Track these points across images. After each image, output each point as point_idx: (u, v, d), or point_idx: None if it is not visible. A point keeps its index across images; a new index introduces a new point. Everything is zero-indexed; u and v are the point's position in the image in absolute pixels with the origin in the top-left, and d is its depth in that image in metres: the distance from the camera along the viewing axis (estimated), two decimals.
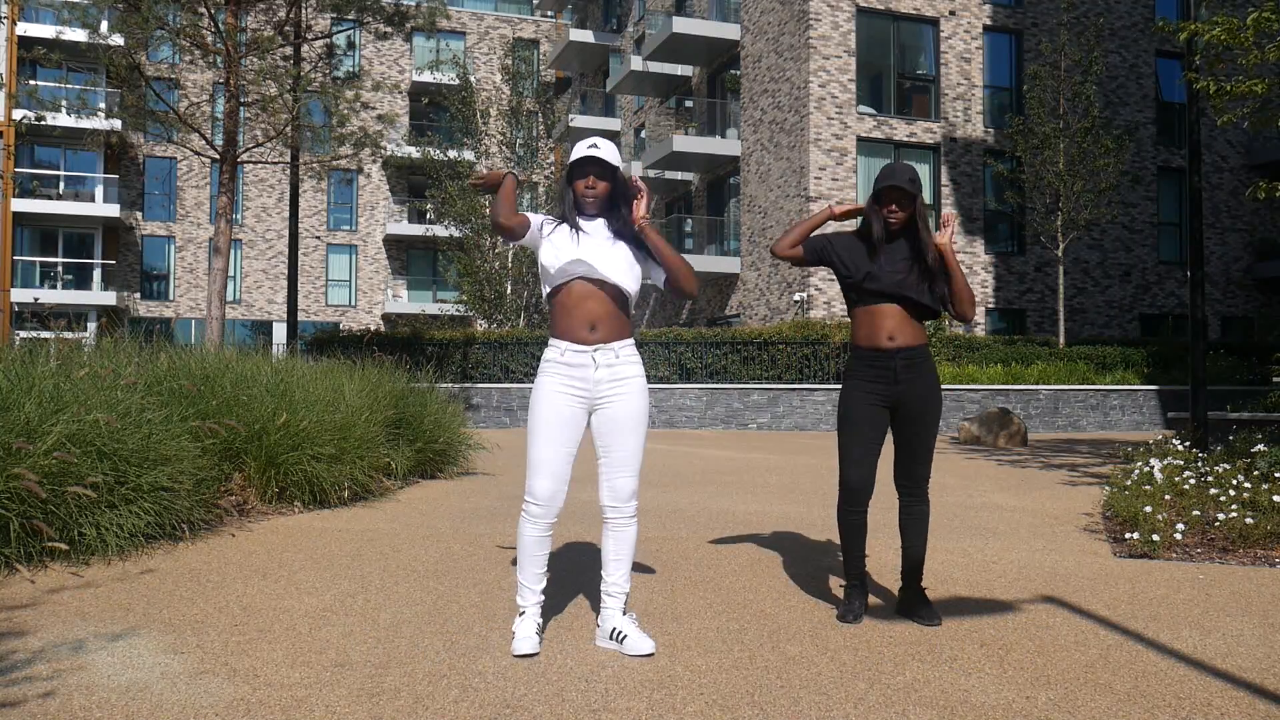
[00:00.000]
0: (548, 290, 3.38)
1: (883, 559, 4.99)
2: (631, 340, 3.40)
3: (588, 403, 3.32)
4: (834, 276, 4.16)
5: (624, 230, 3.38)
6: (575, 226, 3.35)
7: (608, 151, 3.30)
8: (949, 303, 3.74)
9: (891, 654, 3.31)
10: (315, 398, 6.72)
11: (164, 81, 20.41)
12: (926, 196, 22.35)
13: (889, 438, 11.60)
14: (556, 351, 3.30)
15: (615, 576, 3.37)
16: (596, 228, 3.38)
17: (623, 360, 3.33)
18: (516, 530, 3.31)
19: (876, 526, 6.03)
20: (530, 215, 3.38)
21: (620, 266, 3.32)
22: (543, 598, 3.36)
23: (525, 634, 3.27)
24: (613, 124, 33.37)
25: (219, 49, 13.30)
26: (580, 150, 3.30)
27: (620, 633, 3.32)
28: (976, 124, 22.81)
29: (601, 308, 3.30)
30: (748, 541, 5.48)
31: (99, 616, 3.65)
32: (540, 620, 3.35)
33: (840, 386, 3.49)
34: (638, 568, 4.68)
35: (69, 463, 4.49)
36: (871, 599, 4.11)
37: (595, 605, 3.93)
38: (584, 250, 3.29)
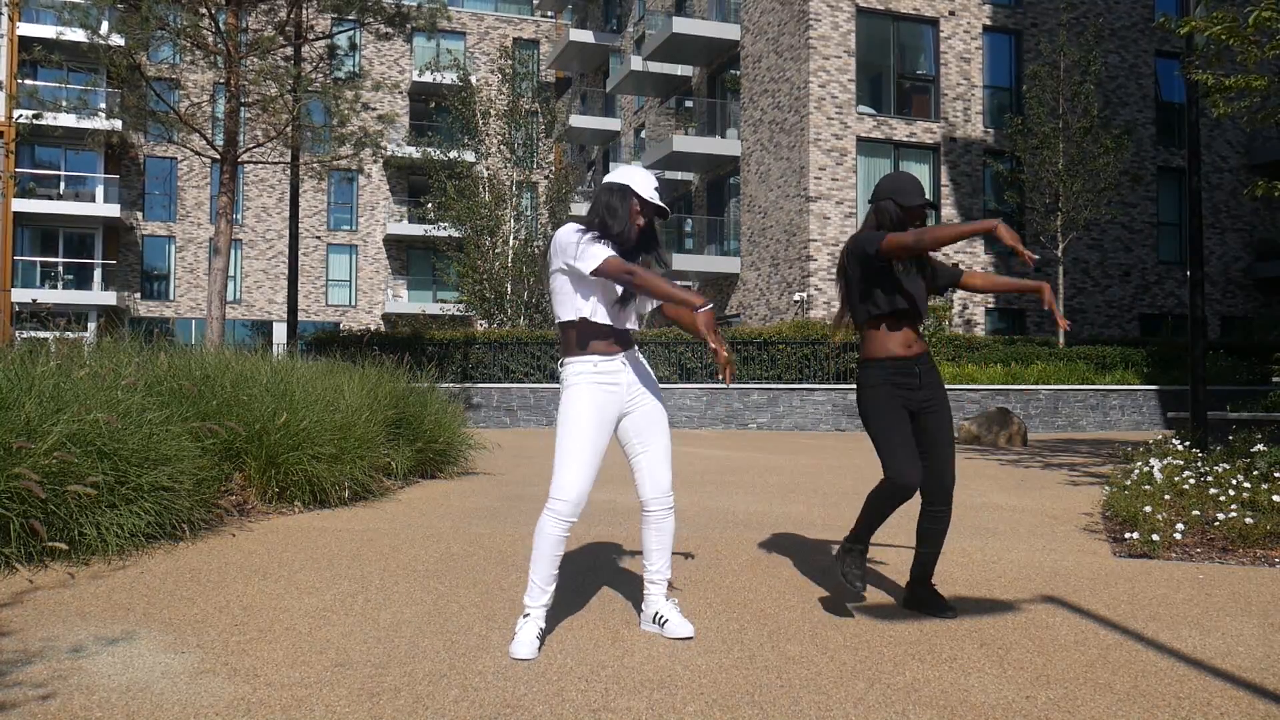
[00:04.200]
0: (584, 310, 3.37)
1: (883, 556, 4.99)
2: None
3: (620, 407, 3.43)
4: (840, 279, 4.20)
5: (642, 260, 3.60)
6: (625, 253, 3.45)
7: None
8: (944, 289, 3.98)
9: (891, 654, 3.32)
10: (315, 398, 6.72)
11: (164, 82, 20.42)
12: (927, 197, 22.36)
13: None
14: (589, 364, 3.39)
15: (659, 564, 3.52)
16: (628, 255, 3.51)
17: (643, 361, 3.56)
18: (536, 530, 3.34)
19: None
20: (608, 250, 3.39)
21: (632, 308, 3.55)
22: (550, 603, 3.38)
23: (527, 638, 3.26)
24: (613, 124, 33.38)
25: (220, 49, 13.30)
26: (650, 190, 3.43)
27: (662, 616, 3.50)
28: (976, 124, 22.81)
29: (629, 326, 3.51)
30: (748, 541, 5.48)
31: (99, 616, 3.65)
32: (543, 625, 3.36)
33: (850, 386, 3.43)
34: (626, 570, 4.69)
35: (69, 462, 4.49)
36: (871, 598, 4.11)
37: (595, 606, 3.94)
38: (628, 302, 3.47)
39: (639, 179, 3.43)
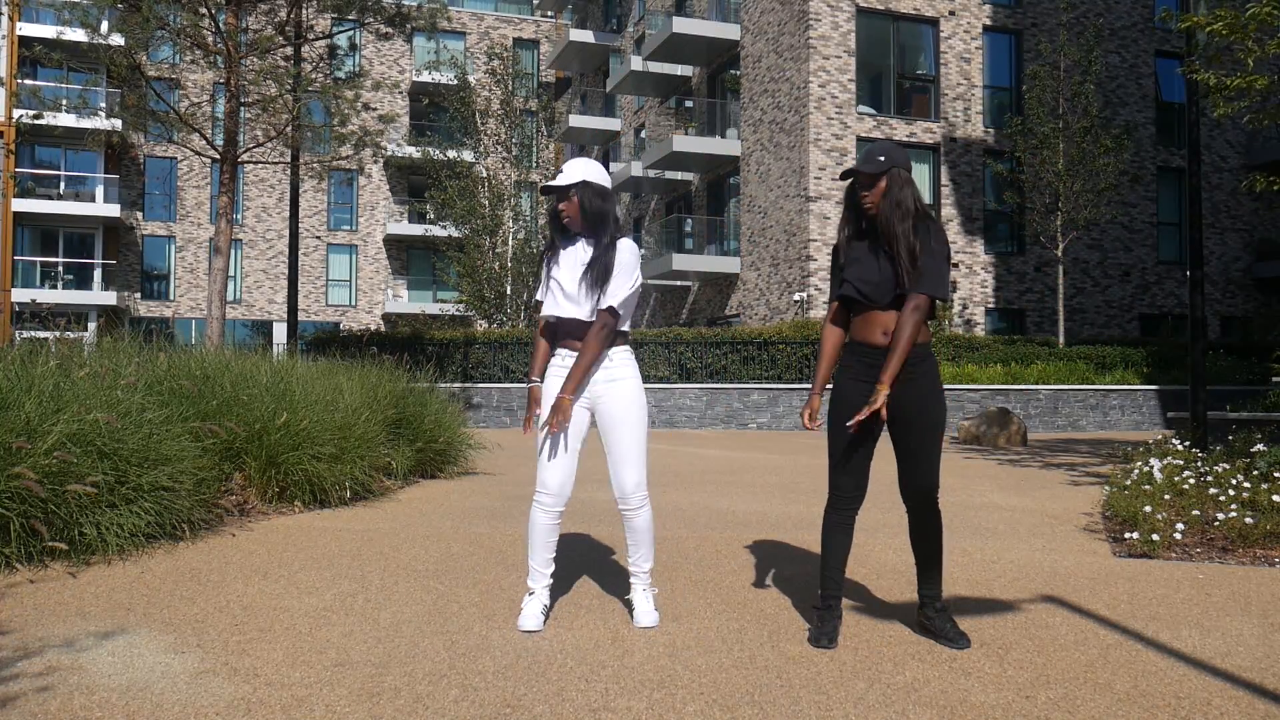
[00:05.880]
0: (550, 309, 3.66)
1: (882, 559, 4.99)
2: (625, 346, 3.61)
3: (589, 400, 3.59)
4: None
5: (599, 254, 3.53)
6: (552, 262, 3.61)
7: (569, 174, 3.52)
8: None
9: (891, 654, 3.32)
10: (315, 397, 6.72)
11: (164, 81, 20.41)
12: (926, 197, 22.34)
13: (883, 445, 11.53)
14: (558, 358, 3.62)
15: (634, 558, 3.69)
16: (572, 255, 3.58)
17: (616, 363, 3.58)
18: (529, 519, 3.58)
19: (876, 525, 6.04)
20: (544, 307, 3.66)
21: (579, 300, 3.52)
22: (551, 580, 3.63)
23: (532, 612, 3.55)
24: (613, 124, 33.37)
25: (219, 49, 13.30)
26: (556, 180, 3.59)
27: (633, 605, 3.68)
28: (976, 124, 22.80)
29: (577, 331, 3.55)
30: (748, 541, 5.48)
31: (99, 616, 3.65)
32: (547, 602, 3.64)
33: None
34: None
35: (69, 462, 4.49)
36: (870, 599, 4.11)
37: (595, 606, 3.95)
38: (553, 289, 3.58)
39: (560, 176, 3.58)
